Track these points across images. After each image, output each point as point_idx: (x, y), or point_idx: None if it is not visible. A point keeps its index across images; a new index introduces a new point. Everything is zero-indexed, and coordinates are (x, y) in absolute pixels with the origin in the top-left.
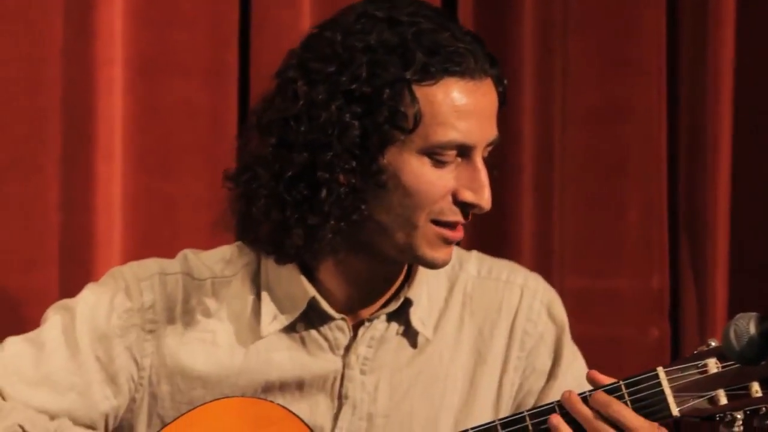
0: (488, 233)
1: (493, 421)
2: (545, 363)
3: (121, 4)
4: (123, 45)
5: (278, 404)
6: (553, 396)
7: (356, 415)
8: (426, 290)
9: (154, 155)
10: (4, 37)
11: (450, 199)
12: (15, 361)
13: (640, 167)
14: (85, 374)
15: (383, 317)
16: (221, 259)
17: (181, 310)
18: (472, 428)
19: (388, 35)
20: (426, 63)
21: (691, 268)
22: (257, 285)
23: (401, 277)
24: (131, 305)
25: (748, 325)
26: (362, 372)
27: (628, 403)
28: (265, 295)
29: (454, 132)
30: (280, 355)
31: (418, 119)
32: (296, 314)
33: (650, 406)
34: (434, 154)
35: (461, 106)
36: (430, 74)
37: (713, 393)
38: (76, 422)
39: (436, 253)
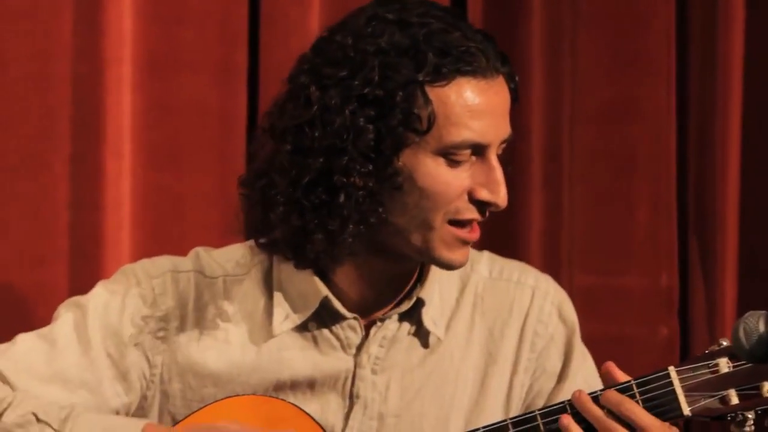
0: (497, 231)
1: (504, 420)
2: (555, 364)
3: (130, 2)
4: (132, 43)
5: (289, 402)
6: (563, 397)
7: (367, 414)
8: (438, 290)
9: (163, 152)
10: (14, 36)
11: (466, 198)
12: (27, 358)
13: (649, 165)
14: (96, 371)
15: (395, 317)
16: (233, 257)
17: (193, 308)
18: (483, 427)
19: (399, 37)
20: (438, 64)
21: (700, 266)
22: (269, 283)
23: (414, 276)
24: (143, 301)
25: (757, 323)
26: (373, 371)
27: (640, 402)
28: (277, 293)
29: (468, 132)
30: (292, 354)
31: (431, 120)
32: (308, 313)
33: (661, 405)
34: (449, 155)
35: (474, 105)
36: (443, 75)
37: (724, 392)
38: None
39: (453, 255)
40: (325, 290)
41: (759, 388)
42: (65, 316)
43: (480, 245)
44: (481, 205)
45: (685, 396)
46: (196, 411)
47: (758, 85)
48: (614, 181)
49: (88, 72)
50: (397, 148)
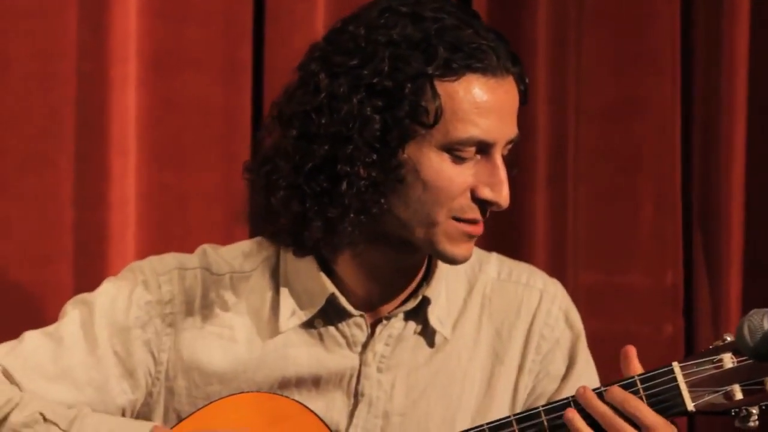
0: (502, 228)
1: (508, 417)
2: (559, 368)
3: (135, 0)
4: (137, 41)
5: (294, 400)
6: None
7: (372, 412)
8: (445, 289)
9: (167, 151)
10: (19, 34)
11: (469, 195)
12: (34, 356)
13: (654, 163)
14: (103, 369)
15: (401, 315)
16: (240, 254)
17: (200, 305)
18: (487, 423)
19: (411, 30)
20: (448, 59)
21: (705, 263)
22: (276, 280)
23: (420, 274)
24: (150, 299)
25: (761, 321)
26: (379, 370)
27: (644, 398)
28: (284, 290)
29: (475, 128)
30: (298, 351)
31: (438, 115)
32: (315, 310)
33: (665, 401)
34: (454, 150)
35: (482, 102)
36: (452, 70)
37: (729, 388)
38: None
39: (457, 249)
40: (331, 287)
41: (763, 384)
42: (72, 313)
43: (484, 243)
44: (482, 204)
45: (689, 391)
46: (201, 408)
47: (763, 82)
48: (619, 178)
49: (92, 70)
50: (403, 140)
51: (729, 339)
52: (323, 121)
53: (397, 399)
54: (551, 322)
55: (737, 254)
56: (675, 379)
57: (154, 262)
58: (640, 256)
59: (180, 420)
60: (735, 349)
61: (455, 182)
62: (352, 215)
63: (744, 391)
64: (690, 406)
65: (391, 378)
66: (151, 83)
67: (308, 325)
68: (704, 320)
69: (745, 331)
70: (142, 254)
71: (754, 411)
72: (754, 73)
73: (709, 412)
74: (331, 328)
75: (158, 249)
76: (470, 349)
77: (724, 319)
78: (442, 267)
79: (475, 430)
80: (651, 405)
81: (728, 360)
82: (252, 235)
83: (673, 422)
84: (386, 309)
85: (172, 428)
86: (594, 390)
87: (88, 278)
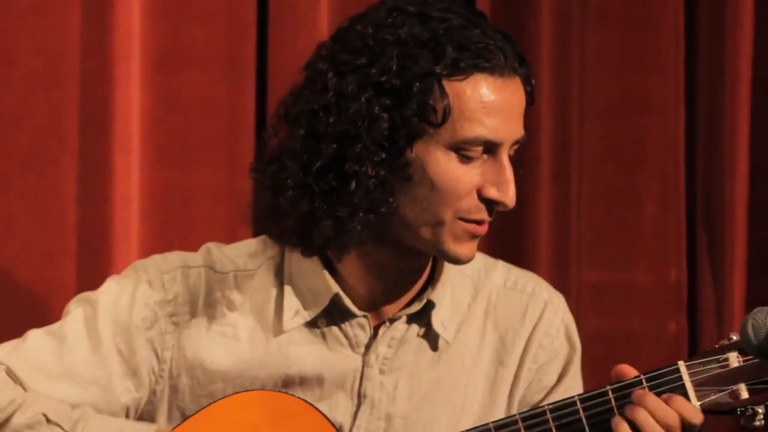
0: (506, 227)
1: (514, 415)
2: (551, 380)
3: None
4: (140, 39)
5: (298, 397)
6: None
7: (374, 414)
8: (450, 293)
9: (171, 149)
10: (23, 32)
11: (475, 195)
12: (37, 355)
13: (657, 160)
14: (106, 367)
15: (404, 318)
16: (245, 252)
17: (203, 304)
18: (492, 422)
19: (419, 30)
20: (456, 58)
21: (708, 261)
22: (280, 279)
23: (425, 277)
24: (154, 297)
25: (765, 319)
26: (381, 371)
27: None
28: (288, 288)
29: (482, 128)
30: (301, 350)
31: (446, 114)
32: (318, 310)
33: None
34: (461, 150)
35: (489, 102)
36: (460, 69)
37: (734, 387)
38: None
39: (461, 249)
40: (336, 287)
41: None
42: (75, 312)
43: (489, 242)
44: (489, 204)
45: (695, 390)
46: (205, 407)
47: (766, 81)
48: (622, 176)
49: (96, 68)
50: (411, 139)
51: (735, 338)
52: (331, 120)
53: (400, 401)
54: (552, 333)
55: (741, 252)
56: (681, 378)
57: (158, 260)
58: (643, 254)
59: (184, 418)
60: (741, 348)
61: (462, 181)
62: (361, 214)
63: (750, 390)
64: (696, 405)
65: (393, 380)
66: (154, 82)
67: (312, 324)
68: (708, 318)
69: (749, 329)
70: (145, 252)
71: (759, 410)
72: (757, 72)
73: (714, 411)
74: (334, 328)
75: (161, 247)
76: (474, 355)
77: (727, 317)
78: (447, 271)
79: (480, 428)
80: None
81: (734, 359)
82: (256, 235)
83: None
84: (390, 311)
85: (176, 427)
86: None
87: (92, 276)
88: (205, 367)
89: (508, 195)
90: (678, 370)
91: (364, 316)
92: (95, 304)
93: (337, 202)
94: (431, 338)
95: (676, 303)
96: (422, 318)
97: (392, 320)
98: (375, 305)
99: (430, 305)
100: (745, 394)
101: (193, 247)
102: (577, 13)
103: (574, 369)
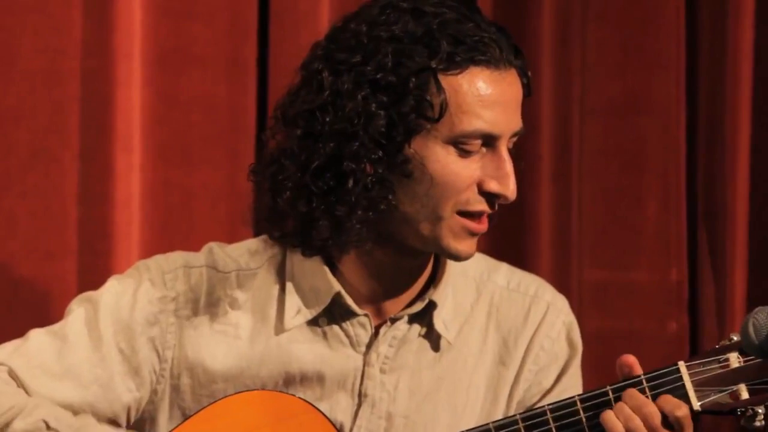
0: (507, 226)
1: (514, 415)
2: (549, 382)
3: None
4: (142, 38)
5: (299, 397)
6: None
7: (375, 413)
8: (452, 293)
9: (172, 147)
10: (24, 30)
11: (475, 189)
12: (39, 354)
13: (658, 159)
14: (108, 366)
15: (406, 318)
16: (247, 252)
17: (205, 303)
18: (492, 422)
19: (413, 25)
20: (451, 52)
21: (709, 261)
22: (282, 278)
23: (426, 277)
24: (156, 297)
25: (766, 319)
26: (382, 371)
27: (649, 397)
28: (289, 287)
29: (480, 121)
30: (301, 348)
31: (443, 108)
32: (320, 309)
33: None
34: (459, 144)
35: (486, 95)
36: (456, 63)
37: (735, 387)
38: (99, 414)
39: (460, 245)
40: (337, 286)
41: None
42: (77, 311)
43: (490, 241)
44: (490, 197)
45: (695, 391)
46: (206, 406)
47: None
48: (623, 175)
49: (97, 67)
50: (408, 135)
51: (735, 338)
52: (328, 119)
53: (401, 401)
54: (553, 335)
55: (742, 251)
56: (681, 379)
57: (160, 260)
58: (644, 254)
59: (185, 418)
60: (741, 348)
61: (462, 176)
62: (359, 212)
63: (750, 391)
64: (696, 405)
65: (394, 379)
66: (155, 80)
67: (313, 323)
68: (709, 318)
69: (750, 329)
70: (146, 251)
71: (760, 411)
72: (758, 71)
73: (715, 411)
74: (336, 327)
75: (163, 246)
76: (476, 356)
77: (728, 316)
78: (449, 272)
79: (480, 428)
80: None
81: (734, 359)
82: (256, 234)
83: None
84: (391, 310)
85: (177, 426)
86: (580, 395)
87: (93, 275)
88: (206, 366)
89: (508, 188)
90: (678, 371)
91: (365, 315)
92: (97, 303)
93: (335, 201)
94: (433, 338)
95: (676, 302)
96: (424, 318)
97: (394, 320)
98: (376, 304)
99: (431, 305)
100: (745, 395)
101: (194, 246)
102: (578, 13)
103: (573, 369)
